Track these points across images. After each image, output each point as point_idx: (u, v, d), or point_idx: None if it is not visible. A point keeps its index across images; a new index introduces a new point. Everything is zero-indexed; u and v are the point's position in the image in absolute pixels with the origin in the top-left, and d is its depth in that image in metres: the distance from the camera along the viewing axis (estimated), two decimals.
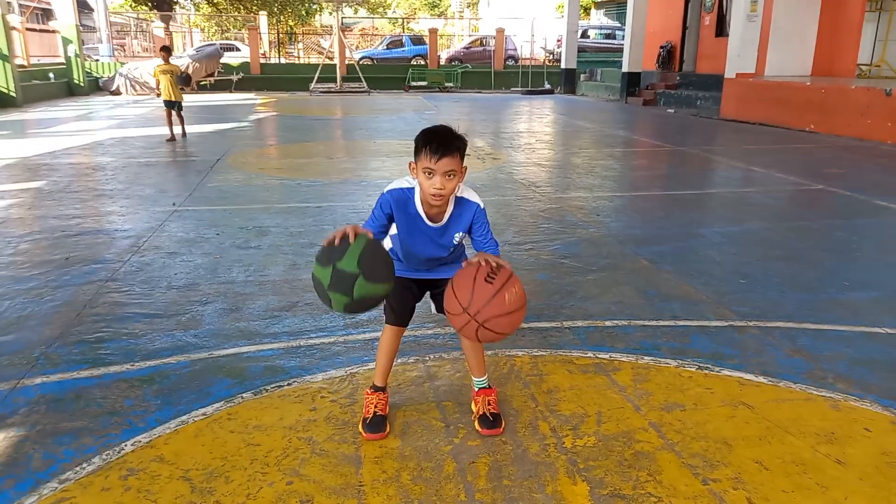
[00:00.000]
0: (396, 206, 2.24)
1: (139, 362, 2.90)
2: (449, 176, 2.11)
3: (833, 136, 11.01)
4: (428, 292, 2.48)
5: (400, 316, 2.43)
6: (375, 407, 2.39)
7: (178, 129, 10.26)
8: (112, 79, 20.47)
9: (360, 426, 2.37)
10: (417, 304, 2.48)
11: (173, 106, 10.17)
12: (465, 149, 2.17)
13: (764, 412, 2.50)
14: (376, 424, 2.35)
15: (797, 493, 2.05)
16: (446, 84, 24.08)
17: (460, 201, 2.27)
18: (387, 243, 2.39)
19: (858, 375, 2.79)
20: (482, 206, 2.29)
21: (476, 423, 2.39)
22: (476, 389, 2.46)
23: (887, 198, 6.27)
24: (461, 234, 2.30)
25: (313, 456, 2.23)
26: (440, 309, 2.44)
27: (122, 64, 21.95)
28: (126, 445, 2.28)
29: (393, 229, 2.33)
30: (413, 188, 2.25)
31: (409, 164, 2.21)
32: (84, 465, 2.17)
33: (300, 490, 2.05)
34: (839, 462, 2.20)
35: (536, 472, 2.15)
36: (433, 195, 2.13)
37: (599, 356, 2.97)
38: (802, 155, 9.33)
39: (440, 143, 2.10)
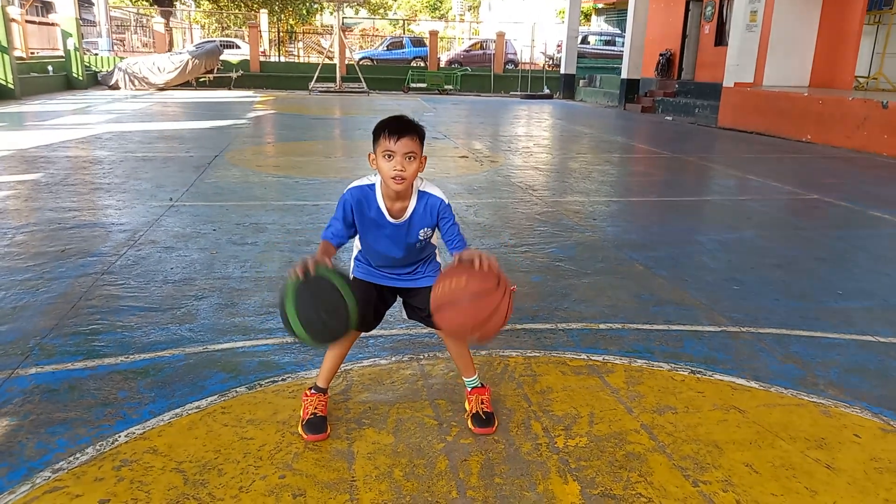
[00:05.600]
0: (357, 205, 2.22)
1: (134, 355, 2.90)
2: (409, 158, 2.11)
3: (830, 147, 11.08)
4: (403, 298, 2.47)
5: (360, 322, 2.33)
6: (315, 408, 2.34)
7: None
8: (111, 73, 20.45)
9: (299, 428, 2.33)
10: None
11: None
12: (423, 135, 2.17)
13: (755, 416, 2.52)
14: (315, 425, 2.30)
15: (786, 496, 2.06)
16: (446, 87, 24.12)
17: (423, 196, 2.25)
18: (356, 246, 2.41)
19: (849, 383, 2.82)
20: (447, 201, 2.28)
21: (469, 422, 2.40)
22: (469, 388, 2.48)
23: (882, 209, 6.31)
24: (426, 230, 2.27)
25: (306, 451, 2.24)
26: (412, 316, 2.47)
27: (122, 58, 21.93)
28: (120, 436, 2.28)
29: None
30: (374, 184, 2.23)
31: (369, 155, 2.20)
32: (77, 455, 2.18)
33: (293, 484, 2.06)
34: (828, 467, 2.22)
35: (528, 470, 2.17)
36: (394, 178, 2.11)
37: (593, 358, 2.99)
38: (799, 165, 9.38)
39: (399, 125, 2.12)
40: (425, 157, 2.19)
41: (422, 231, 2.27)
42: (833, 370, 2.94)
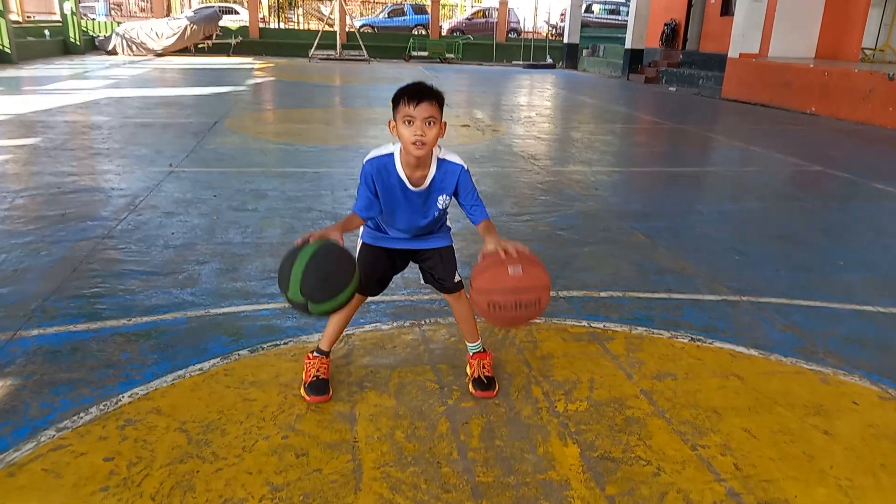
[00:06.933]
0: (378, 175, 2.19)
1: (136, 318, 2.91)
2: (429, 123, 2.07)
3: (834, 120, 10.99)
4: (415, 263, 2.46)
5: (365, 287, 2.37)
6: (317, 371, 2.36)
7: None
8: (108, 38, 20.21)
9: (301, 390, 2.35)
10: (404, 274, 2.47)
11: None
12: (443, 101, 2.14)
13: (754, 383, 2.54)
14: (317, 387, 2.33)
15: (783, 461, 2.08)
16: (447, 55, 23.86)
17: (442, 163, 2.22)
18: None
19: (848, 351, 2.83)
20: (466, 167, 2.25)
21: (470, 386, 2.42)
22: (471, 353, 2.49)
23: (885, 181, 6.28)
24: (445, 197, 2.26)
25: (308, 412, 2.26)
26: (428, 280, 2.46)
27: (119, 23, 21.64)
28: (123, 397, 2.30)
29: None
30: (392, 153, 2.20)
31: (389, 122, 2.18)
32: (81, 414, 2.19)
33: (295, 444, 2.08)
34: (826, 433, 2.24)
35: (528, 433, 2.18)
36: (414, 143, 2.08)
37: (594, 325, 3.00)
38: (802, 137, 9.32)
39: (418, 90, 2.08)
40: (445, 123, 2.16)
41: (440, 199, 2.25)
42: (832, 339, 2.95)
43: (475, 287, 2.07)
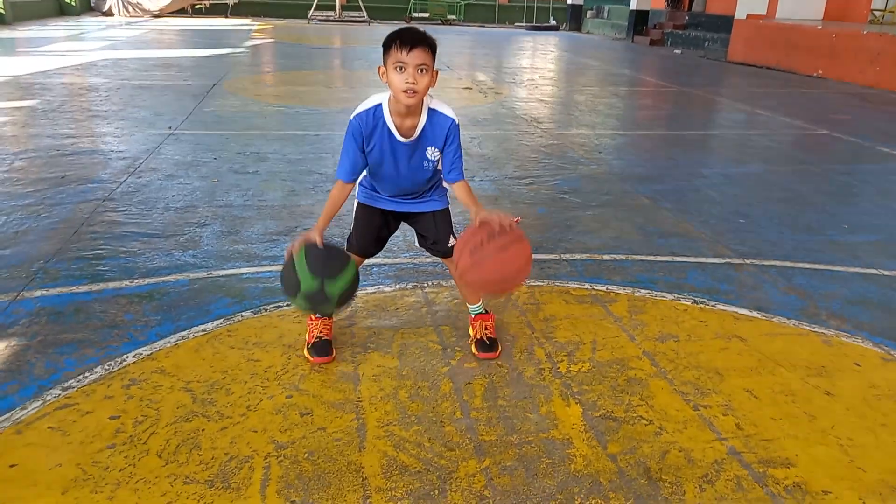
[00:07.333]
0: (366, 128, 2.13)
1: (138, 279, 2.90)
2: (421, 71, 2.00)
3: (841, 83, 10.85)
4: (409, 225, 2.44)
5: (362, 247, 2.38)
6: (320, 332, 2.36)
7: None
8: None
9: (304, 351, 2.36)
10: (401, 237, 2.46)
11: None
12: (436, 48, 2.06)
13: (756, 345, 2.54)
14: (321, 348, 2.33)
15: (785, 420, 2.10)
16: (449, 16, 23.46)
17: (433, 113, 2.15)
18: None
19: (851, 313, 2.83)
20: (457, 121, 2.18)
21: (473, 347, 2.42)
22: (473, 315, 2.48)
23: (891, 145, 6.22)
24: (434, 149, 2.19)
25: (312, 372, 2.26)
26: (422, 243, 2.44)
27: None
28: (127, 357, 2.31)
29: None
30: (380, 104, 2.13)
31: (378, 68, 2.11)
32: (86, 374, 2.20)
33: (300, 403, 2.09)
34: (828, 393, 2.25)
35: (531, 393, 2.19)
36: (405, 91, 2.00)
37: (596, 288, 2.99)
38: (809, 100, 9.21)
39: (411, 36, 2.01)
40: (437, 72, 2.09)
41: (429, 149, 2.18)
42: (836, 301, 2.94)
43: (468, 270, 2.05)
